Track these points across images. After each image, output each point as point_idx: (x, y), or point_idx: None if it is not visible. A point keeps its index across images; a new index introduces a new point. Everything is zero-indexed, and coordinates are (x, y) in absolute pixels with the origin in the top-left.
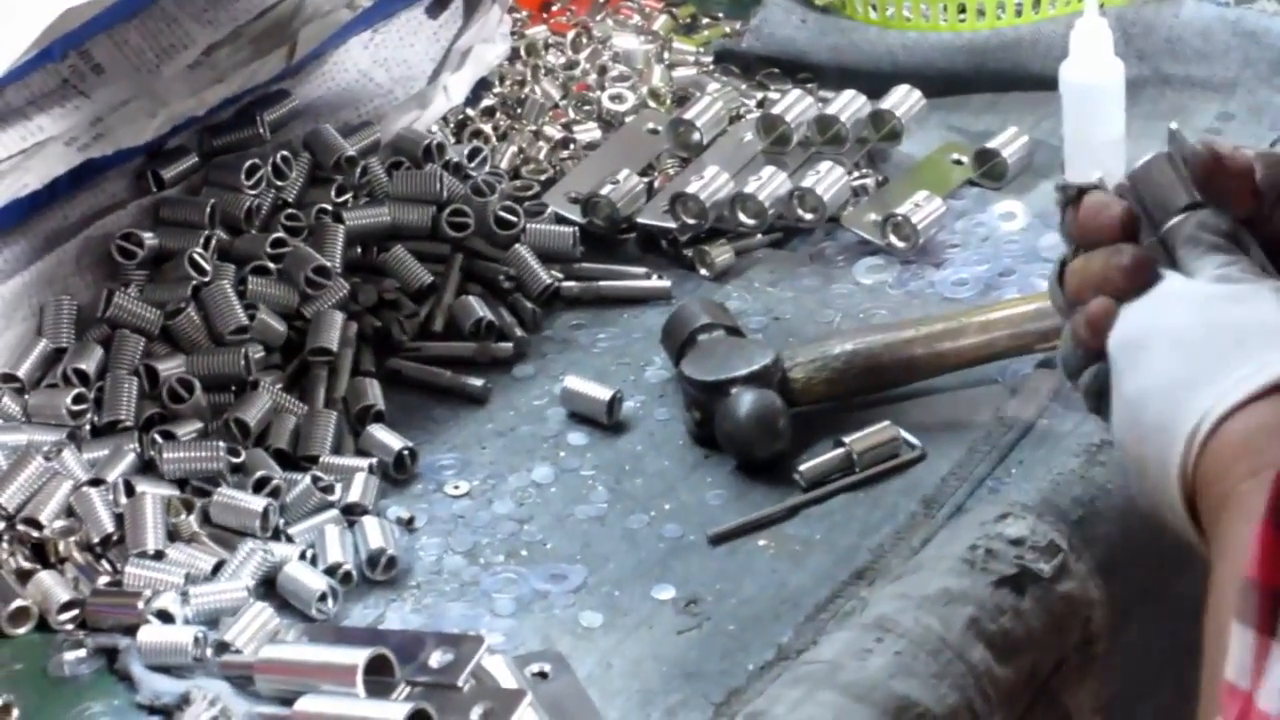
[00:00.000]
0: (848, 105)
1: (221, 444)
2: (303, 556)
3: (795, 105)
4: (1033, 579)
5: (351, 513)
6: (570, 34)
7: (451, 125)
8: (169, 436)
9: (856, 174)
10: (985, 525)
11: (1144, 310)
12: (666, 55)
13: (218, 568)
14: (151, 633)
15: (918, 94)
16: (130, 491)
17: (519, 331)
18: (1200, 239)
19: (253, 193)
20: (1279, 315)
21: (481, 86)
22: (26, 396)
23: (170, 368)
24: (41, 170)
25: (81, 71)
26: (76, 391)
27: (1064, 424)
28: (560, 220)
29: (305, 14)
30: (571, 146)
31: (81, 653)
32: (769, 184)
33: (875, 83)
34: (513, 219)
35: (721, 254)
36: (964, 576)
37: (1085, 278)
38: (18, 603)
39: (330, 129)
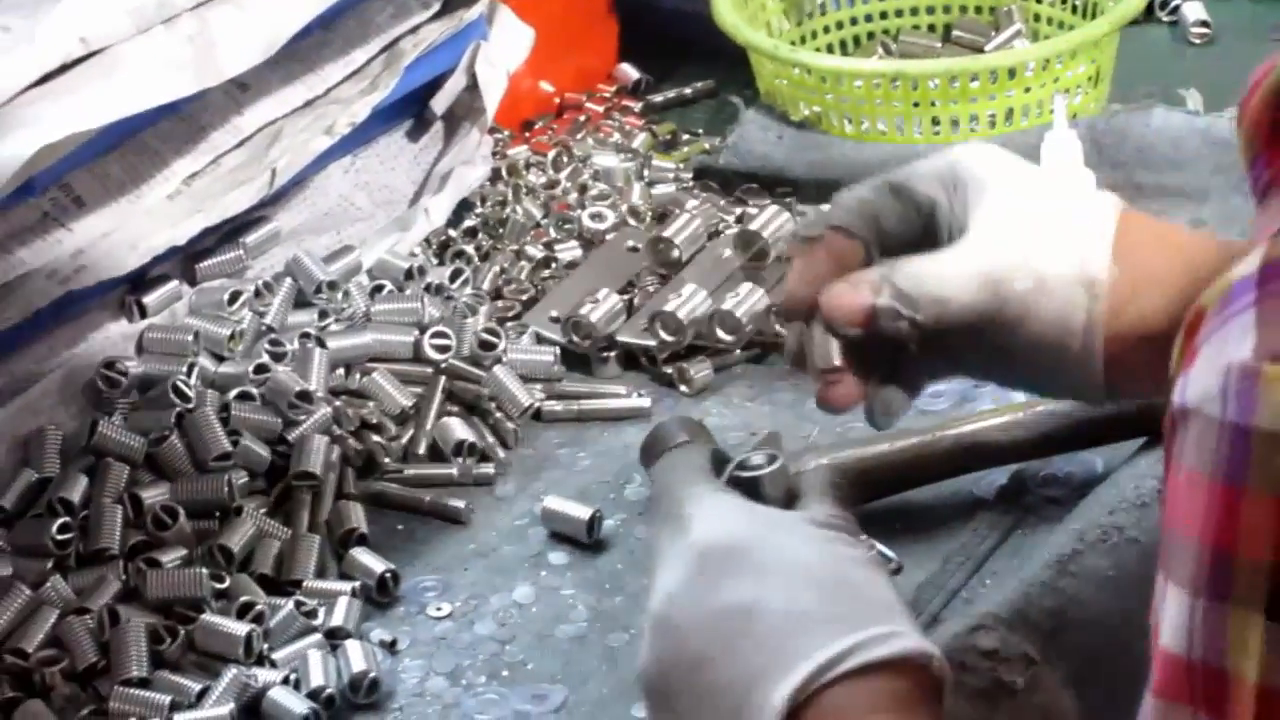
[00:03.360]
0: None
1: (205, 570)
2: (286, 681)
3: (772, 221)
4: (1006, 692)
5: (335, 636)
6: (551, 153)
7: (434, 247)
8: (153, 564)
9: None
10: (958, 637)
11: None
12: (646, 173)
13: (202, 694)
14: None
15: None
16: (115, 619)
17: (500, 452)
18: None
19: (235, 319)
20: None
21: (463, 207)
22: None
23: (154, 495)
24: (23, 304)
25: (63, 204)
26: (62, 521)
27: (1037, 535)
28: (541, 340)
29: (284, 142)
30: (553, 265)
31: None
32: (746, 300)
33: None
34: (494, 340)
35: (700, 370)
36: None
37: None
38: None
39: (312, 254)
